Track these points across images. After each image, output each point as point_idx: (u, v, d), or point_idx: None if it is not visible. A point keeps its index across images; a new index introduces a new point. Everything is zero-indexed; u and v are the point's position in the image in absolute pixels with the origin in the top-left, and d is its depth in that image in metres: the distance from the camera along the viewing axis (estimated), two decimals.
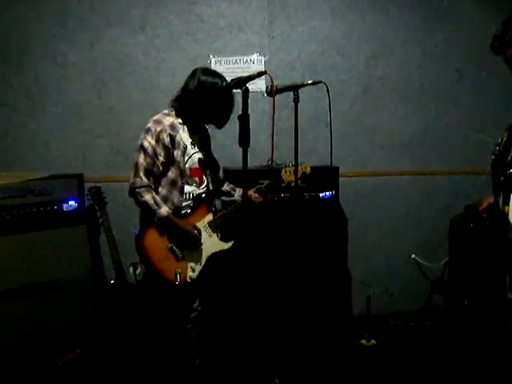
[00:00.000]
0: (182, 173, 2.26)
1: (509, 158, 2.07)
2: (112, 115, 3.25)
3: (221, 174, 2.60)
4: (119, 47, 3.23)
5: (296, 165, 2.17)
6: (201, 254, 2.29)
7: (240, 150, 2.16)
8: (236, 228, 2.31)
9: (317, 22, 3.30)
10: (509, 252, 2.22)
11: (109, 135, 3.26)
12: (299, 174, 2.34)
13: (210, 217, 2.35)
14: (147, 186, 2.20)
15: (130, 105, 3.25)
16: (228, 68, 3.24)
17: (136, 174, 2.21)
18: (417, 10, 3.34)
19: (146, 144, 2.22)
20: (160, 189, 2.25)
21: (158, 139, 2.22)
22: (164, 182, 2.26)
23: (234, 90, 2.10)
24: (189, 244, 2.25)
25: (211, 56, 3.25)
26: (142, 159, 2.22)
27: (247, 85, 1.99)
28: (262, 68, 3.22)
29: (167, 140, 2.22)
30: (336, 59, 3.32)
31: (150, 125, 2.26)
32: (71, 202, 2.90)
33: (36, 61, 3.18)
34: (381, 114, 3.39)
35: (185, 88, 2.29)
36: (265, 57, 3.27)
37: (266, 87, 2.09)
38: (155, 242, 2.22)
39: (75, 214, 2.90)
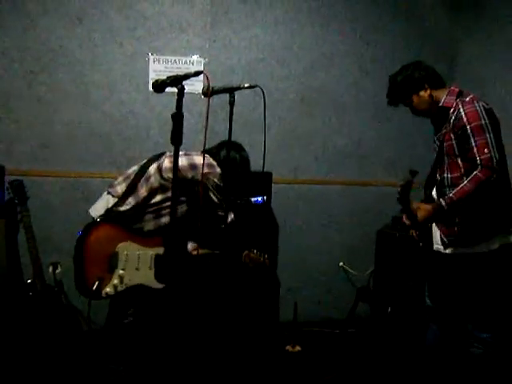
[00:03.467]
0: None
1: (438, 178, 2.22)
2: (41, 107, 3.11)
3: None
4: (54, 37, 3.10)
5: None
6: (131, 279, 2.21)
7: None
8: (175, 272, 2.29)
9: (259, 30, 3.34)
10: (431, 262, 2.33)
11: (36, 127, 3.11)
12: (258, 262, 2.45)
13: (160, 250, 2.26)
14: None
15: (60, 97, 3.12)
16: (166, 67, 3.20)
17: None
18: (355, 26, 3.46)
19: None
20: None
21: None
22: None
23: (169, 89, 2.06)
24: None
25: (150, 54, 3.20)
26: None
27: (183, 84, 1.99)
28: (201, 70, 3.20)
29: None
30: (275, 67, 3.37)
31: (218, 170, 2.34)
32: None
33: None
34: (316, 124, 3.46)
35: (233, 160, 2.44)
36: (205, 59, 3.26)
37: (202, 88, 2.07)
38: (101, 240, 2.16)
39: None
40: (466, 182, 2.00)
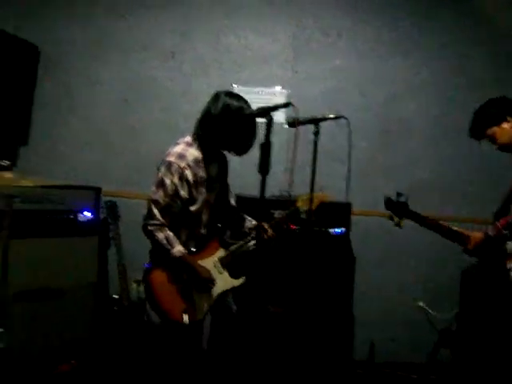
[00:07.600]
0: (203, 208, 2.18)
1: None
2: (134, 134, 3.36)
3: (233, 201, 2.47)
4: (148, 69, 3.37)
5: (311, 197, 2.17)
6: (211, 294, 2.18)
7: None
8: (246, 263, 2.22)
9: (340, 61, 3.38)
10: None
11: (128, 153, 3.36)
12: (318, 202, 2.32)
13: (221, 252, 2.24)
14: (160, 225, 2.08)
15: (151, 125, 3.35)
16: (249, 98, 3.29)
17: (151, 212, 2.07)
18: (441, 55, 3.39)
19: (167, 181, 2.06)
20: (182, 229, 2.16)
21: (181, 177, 2.07)
22: (186, 220, 2.16)
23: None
24: (201, 286, 2.15)
25: (234, 85, 3.34)
26: (160, 197, 2.07)
27: (271, 114, 2.06)
28: (283, 101, 3.28)
29: (191, 178, 2.10)
30: (356, 98, 3.38)
31: (172, 159, 2.07)
32: (86, 213, 2.93)
33: (70, 76, 3.35)
34: (397, 155, 3.40)
35: (207, 112, 2.13)
36: (287, 90, 3.35)
37: (288, 118, 2.14)
38: (164, 281, 2.12)
39: (89, 225, 2.93)
40: None
